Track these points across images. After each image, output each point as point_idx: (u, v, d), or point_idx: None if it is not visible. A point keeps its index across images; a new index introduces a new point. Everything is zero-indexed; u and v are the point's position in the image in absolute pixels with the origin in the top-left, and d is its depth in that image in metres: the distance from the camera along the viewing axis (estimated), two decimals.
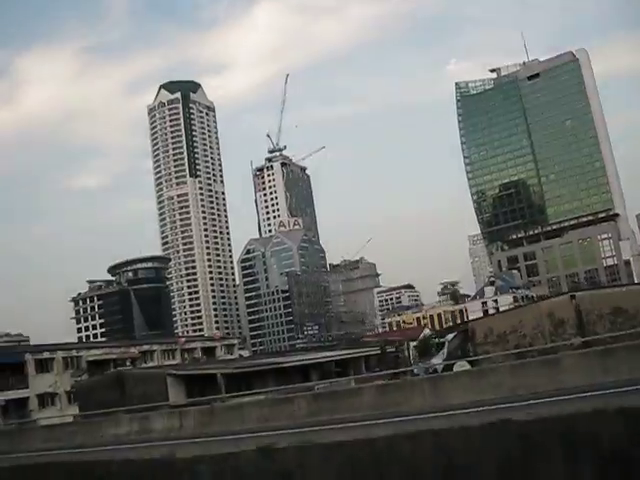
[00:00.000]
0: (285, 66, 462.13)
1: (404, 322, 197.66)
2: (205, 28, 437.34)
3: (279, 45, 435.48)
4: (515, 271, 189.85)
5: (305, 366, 44.91)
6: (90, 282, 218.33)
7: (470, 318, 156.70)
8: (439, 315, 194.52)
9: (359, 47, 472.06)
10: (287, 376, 42.23)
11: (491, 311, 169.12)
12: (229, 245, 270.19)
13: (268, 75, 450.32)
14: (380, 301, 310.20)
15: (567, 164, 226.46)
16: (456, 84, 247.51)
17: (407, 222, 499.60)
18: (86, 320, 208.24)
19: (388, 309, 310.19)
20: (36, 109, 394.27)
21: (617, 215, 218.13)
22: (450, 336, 42.99)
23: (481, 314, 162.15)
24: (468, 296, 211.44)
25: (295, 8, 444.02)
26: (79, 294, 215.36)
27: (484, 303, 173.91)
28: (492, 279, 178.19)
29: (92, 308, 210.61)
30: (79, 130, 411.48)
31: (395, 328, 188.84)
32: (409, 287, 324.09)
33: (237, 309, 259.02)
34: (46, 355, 61.35)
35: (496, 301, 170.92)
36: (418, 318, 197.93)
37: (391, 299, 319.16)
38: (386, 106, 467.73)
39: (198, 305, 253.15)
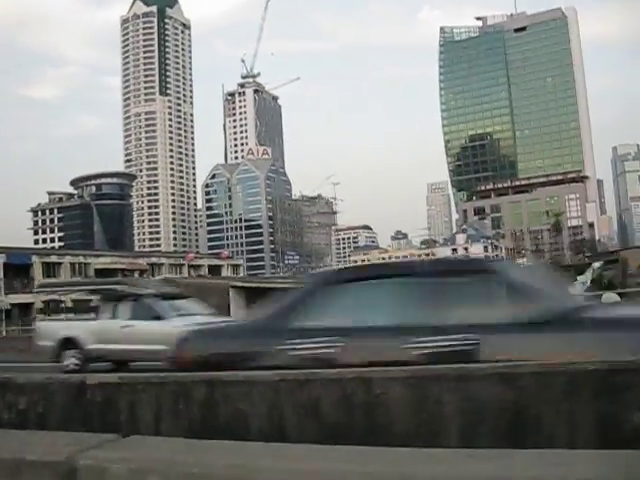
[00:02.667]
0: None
1: (369, 261, 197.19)
2: None
3: None
4: (486, 221, 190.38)
5: None
6: (50, 193, 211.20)
7: None
8: (405, 257, 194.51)
9: None
10: None
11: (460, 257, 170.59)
12: (194, 168, 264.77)
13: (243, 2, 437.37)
14: (337, 239, 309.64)
15: (543, 121, 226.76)
16: (441, 28, 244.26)
17: (371, 165, 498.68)
18: (44, 232, 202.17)
19: (344, 248, 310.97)
20: None
21: (586, 177, 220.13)
22: (596, 264, 40.69)
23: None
24: (435, 242, 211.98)
25: None
26: (39, 204, 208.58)
27: (454, 250, 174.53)
28: (464, 227, 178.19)
29: (52, 220, 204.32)
30: (35, 37, 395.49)
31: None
32: (367, 228, 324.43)
33: (197, 234, 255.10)
34: (54, 259, 58.19)
35: (466, 249, 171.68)
36: (384, 258, 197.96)
37: (348, 238, 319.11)
38: (358, 47, 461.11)
39: (157, 227, 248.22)
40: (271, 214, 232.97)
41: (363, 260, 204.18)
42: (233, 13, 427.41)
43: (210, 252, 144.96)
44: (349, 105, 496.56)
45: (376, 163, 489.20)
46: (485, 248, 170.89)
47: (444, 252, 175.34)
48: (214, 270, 68.28)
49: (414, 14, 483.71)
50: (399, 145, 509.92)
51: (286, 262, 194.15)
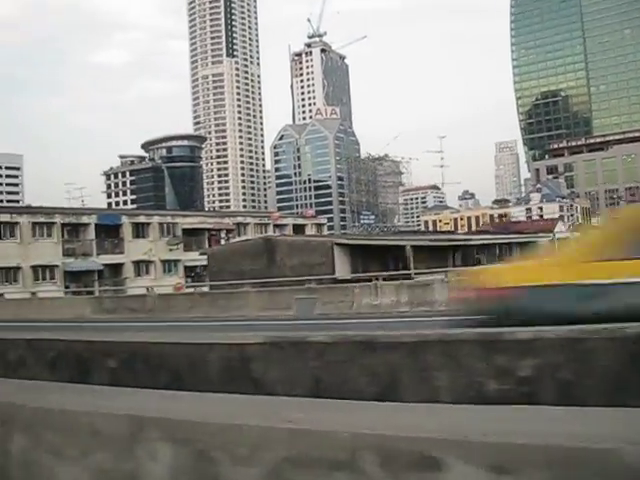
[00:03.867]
0: None
1: (440, 221, 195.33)
2: None
3: None
4: (561, 180, 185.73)
5: (453, 247, 42.08)
6: (122, 157, 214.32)
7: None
8: (477, 218, 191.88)
9: None
10: (436, 254, 39.44)
11: (535, 218, 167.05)
12: (262, 130, 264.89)
13: None
14: (405, 200, 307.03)
15: (620, 76, 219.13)
16: None
17: (439, 123, 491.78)
18: (117, 195, 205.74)
19: (411, 208, 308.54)
20: None
21: None
22: None
23: (524, 219, 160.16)
24: (507, 201, 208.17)
25: None
26: (111, 168, 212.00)
27: (528, 209, 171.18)
28: (538, 186, 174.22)
29: (124, 183, 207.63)
30: (100, 3, 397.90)
31: (431, 227, 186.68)
32: (435, 188, 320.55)
33: (265, 195, 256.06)
34: (142, 219, 58.71)
35: (541, 208, 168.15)
36: (455, 219, 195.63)
37: (416, 199, 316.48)
38: (424, 3, 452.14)
39: (227, 188, 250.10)
40: (340, 174, 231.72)
41: (434, 220, 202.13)
42: None
43: (294, 211, 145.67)
44: (416, 63, 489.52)
45: (443, 122, 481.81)
46: (560, 208, 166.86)
47: (518, 211, 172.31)
48: (298, 229, 68.02)
49: None
50: (467, 103, 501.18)
51: (362, 222, 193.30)
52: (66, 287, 53.27)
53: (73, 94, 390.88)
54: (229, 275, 36.36)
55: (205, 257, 61.34)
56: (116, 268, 56.03)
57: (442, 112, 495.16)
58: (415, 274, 31.41)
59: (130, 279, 55.52)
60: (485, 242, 46.23)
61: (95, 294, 47.42)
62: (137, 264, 56.76)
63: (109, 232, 56.17)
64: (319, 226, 71.78)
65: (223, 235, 61.33)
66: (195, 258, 60.53)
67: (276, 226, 66.28)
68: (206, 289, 39.43)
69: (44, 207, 57.21)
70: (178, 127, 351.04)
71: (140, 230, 57.46)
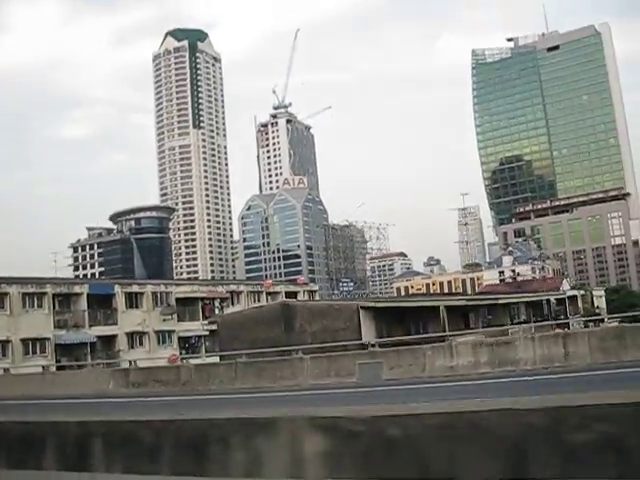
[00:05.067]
0: (274, 32, 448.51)
1: (412, 287, 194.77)
2: None
3: (271, 8, 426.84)
4: (532, 242, 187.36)
5: (467, 307, 41.05)
6: (90, 229, 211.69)
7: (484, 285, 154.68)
8: (449, 282, 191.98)
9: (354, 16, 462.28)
10: (453, 316, 38.32)
11: (508, 281, 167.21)
12: (229, 200, 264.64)
13: (266, 36, 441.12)
14: (371, 267, 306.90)
15: (581, 140, 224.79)
16: (472, 51, 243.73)
17: (402, 191, 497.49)
18: (84, 267, 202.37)
19: (380, 275, 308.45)
20: (20, 55, 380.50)
21: (628, 194, 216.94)
22: None
23: (497, 282, 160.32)
24: (478, 265, 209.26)
25: None
26: (78, 240, 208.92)
27: (501, 272, 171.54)
28: (510, 249, 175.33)
29: (92, 256, 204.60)
30: (64, 79, 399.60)
31: (403, 293, 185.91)
32: (402, 255, 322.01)
33: (234, 265, 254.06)
34: (135, 289, 56.79)
35: (514, 271, 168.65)
36: (427, 284, 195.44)
37: (383, 266, 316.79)
38: (384, 76, 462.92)
39: (195, 260, 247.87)
40: (309, 243, 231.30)
41: (406, 287, 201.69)
42: (261, 45, 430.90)
43: (286, 279, 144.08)
44: (379, 133, 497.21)
45: (408, 188, 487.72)
46: (532, 270, 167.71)
47: (491, 274, 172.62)
48: (290, 296, 66.51)
49: (434, 40, 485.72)
50: (430, 170, 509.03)
51: (341, 289, 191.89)
52: (57, 361, 50.88)
53: (38, 167, 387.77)
54: (242, 344, 34.65)
55: (200, 326, 59.93)
56: (109, 340, 53.73)
57: (407, 178, 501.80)
58: (450, 336, 30.25)
59: (124, 351, 53.22)
60: (512, 301, 45.33)
61: (87, 368, 45.22)
62: (131, 335, 54.55)
63: (101, 302, 54.08)
64: (311, 293, 70.50)
65: (217, 304, 59.62)
66: (189, 328, 58.69)
67: (268, 294, 64.85)
68: (199, 361, 37.70)
69: (34, 277, 55.02)
70: (145, 199, 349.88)
71: (133, 300, 55.50)
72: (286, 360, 22.78)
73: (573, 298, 56.71)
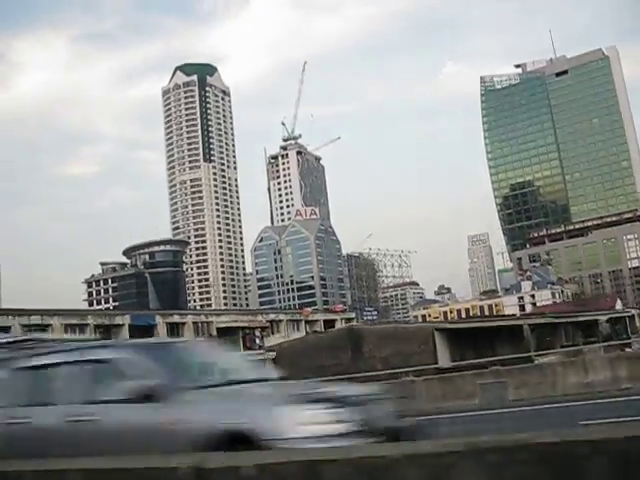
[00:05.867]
0: (282, 64, 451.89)
1: (429, 316, 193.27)
2: (203, 20, 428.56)
3: (273, 40, 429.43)
4: (550, 267, 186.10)
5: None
6: (103, 264, 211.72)
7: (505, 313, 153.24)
8: (467, 310, 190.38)
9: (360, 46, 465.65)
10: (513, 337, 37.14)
11: (528, 307, 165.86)
12: (241, 233, 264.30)
13: (274, 68, 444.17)
14: (384, 297, 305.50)
15: (593, 163, 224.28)
16: (481, 78, 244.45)
17: (413, 220, 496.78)
18: (99, 303, 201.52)
19: (392, 305, 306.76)
20: (29, 94, 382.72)
21: None
22: None
23: (517, 309, 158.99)
24: (495, 291, 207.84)
25: (293, 3, 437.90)
26: (92, 275, 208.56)
27: (520, 298, 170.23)
28: (529, 274, 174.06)
29: (106, 290, 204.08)
30: (72, 118, 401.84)
31: (421, 321, 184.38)
32: (414, 284, 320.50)
33: (247, 298, 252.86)
34: (176, 319, 55.73)
35: (533, 296, 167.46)
36: (445, 312, 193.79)
37: (396, 295, 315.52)
38: (393, 106, 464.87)
39: (208, 293, 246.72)
40: (323, 274, 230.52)
41: (423, 315, 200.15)
42: (269, 78, 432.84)
43: (325, 307, 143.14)
44: (389, 162, 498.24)
45: (418, 218, 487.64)
46: (552, 294, 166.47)
47: (510, 300, 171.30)
48: (328, 324, 65.53)
49: (442, 69, 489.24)
50: (442, 198, 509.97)
51: (365, 318, 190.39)
52: None
53: (49, 205, 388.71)
54: (304, 372, 33.49)
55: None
56: None
57: (418, 208, 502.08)
58: (535, 355, 29.11)
59: None
60: (589, 318, 44.22)
61: None
62: None
63: (143, 333, 52.88)
64: (349, 320, 69.45)
65: (257, 333, 58.48)
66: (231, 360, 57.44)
67: (307, 322, 63.77)
68: None
69: (76, 309, 54.15)
70: (156, 233, 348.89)
71: (175, 330, 54.38)
72: (396, 383, 21.62)
73: (631, 318, 55.70)
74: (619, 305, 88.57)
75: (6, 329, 47.67)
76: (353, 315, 75.25)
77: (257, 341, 58.90)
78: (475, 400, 19.03)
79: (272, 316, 63.18)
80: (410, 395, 20.56)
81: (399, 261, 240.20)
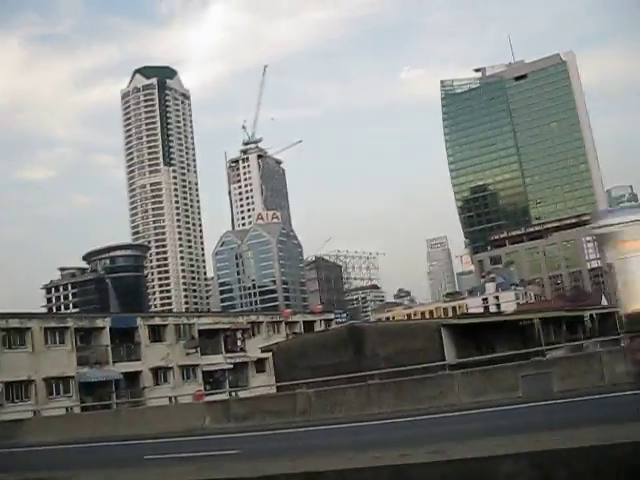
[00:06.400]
0: (241, 68, 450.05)
1: (393, 318, 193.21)
2: (160, 23, 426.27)
3: (233, 44, 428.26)
4: (512, 268, 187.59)
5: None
6: (62, 269, 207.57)
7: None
8: (431, 312, 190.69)
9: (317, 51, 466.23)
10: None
11: (492, 308, 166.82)
12: (201, 237, 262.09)
13: (233, 72, 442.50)
14: (349, 300, 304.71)
15: (552, 166, 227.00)
16: (441, 82, 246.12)
17: (372, 223, 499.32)
18: (58, 309, 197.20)
19: (353, 307, 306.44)
20: None
21: None
22: None
23: (481, 311, 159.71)
24: (459, 293, 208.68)
25: (251, 7, 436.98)
26: (51, 281, 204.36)
27: (485, 299, 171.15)
28: (492, 275, 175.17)
29: (66, 297, 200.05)
30: (27, 121, 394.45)
31: None
32: (375, 287, 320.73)
33: (208, 303, 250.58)
34: (157, 321, 54.43)
35: (497, 297, 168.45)
36: (409, 314, 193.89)
37: (357, 299, 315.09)
38: (341, 109, 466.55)
39: (169, 298, 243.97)
40: (285, 278, 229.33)
41: (387, 317, 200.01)
42: (228, 82, 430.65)
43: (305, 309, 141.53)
44: (349, 165, 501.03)
45: (378, 221, 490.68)
46: (516, 295, 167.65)
47: (474, 302, 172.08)
48: (308, 326, 64.74)
49: (402, 73, 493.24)
50: (399, 202, 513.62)
51: (335, 320, 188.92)
52: (81, 401, 48.04)
53: (3, 210, 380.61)
54: (303, 372, 32.62)
55: (223, 359, 57.49)
56: (133, 377, 51.08)
57: (379, 212, 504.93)
58: (546, 350, 28.69)
59: (149, 389, 50.61)
60: (597, 312, 43.97)
61: (113, 407, 42.59)
62: (155, 371, 51.93)
63: (124, 337, 51.55)
64: (328, 321, 68.68)
65: (239, 335, 57.42)
66: (212, 362, 56.23)
67: (287, 323, 62.91)
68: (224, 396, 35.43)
69: (55, 312, 52.41)
70: (116, 238, 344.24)
71: (157, 333, 53.02)
72: (430, 378, 20.96)
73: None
74: (604, 302, 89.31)
75: None
76: (332, 316, 74.35)
77: (239, 343, 57.90)
78: (518, 393, 18.46)
79: (252, 317, 62.18)
80: (446, 390, 19.96)
81: (367, 263, 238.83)
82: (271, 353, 38.48)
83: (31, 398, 46.76)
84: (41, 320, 48.79)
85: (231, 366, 55.92)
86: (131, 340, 52.36)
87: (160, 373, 52.85)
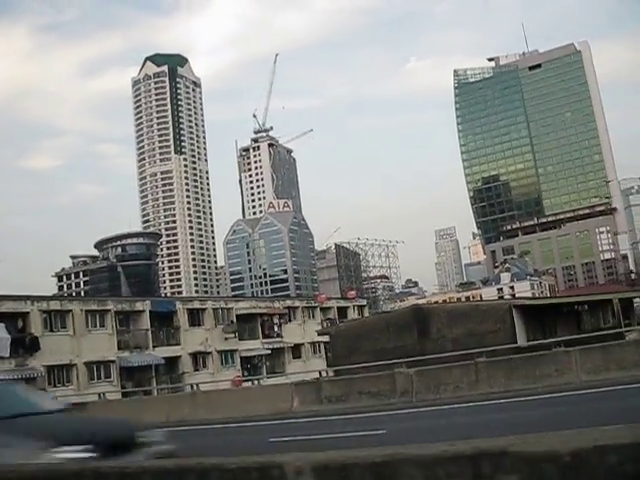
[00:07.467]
0: (251, 58, 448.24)
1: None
2: (167, 12, 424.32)
3: (242, 33, 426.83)
4: (527, 258, 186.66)
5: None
6: (73, 257, 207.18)
7: None
8: (444, 302, 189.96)
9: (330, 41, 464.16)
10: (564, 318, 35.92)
11: (507, 297, 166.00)
12: (212, 226, 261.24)
13: (245, 60, 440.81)
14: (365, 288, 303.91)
15: (566, 156, 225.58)
16: (454, 71, 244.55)
17: (382, 213, 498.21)
18: (70, 296, 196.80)
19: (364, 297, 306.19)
20: None
21: (615, 209, 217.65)
22: None
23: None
24: (472, 283, 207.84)
25: None
26: (63, 269, 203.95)
27: (500, 289, 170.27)
28: (507, 265, 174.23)
29: (77, 284, 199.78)
30: (33, 109, 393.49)
31: None
32: (384, 277, 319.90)
33: (219, 291, 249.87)
34: (196, 305, 53.62)
35: (512, 287, 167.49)
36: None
37: (366, 289, 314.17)
38: (350, 98, 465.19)
39: (179, 287, 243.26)
40: (296, 267, 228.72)
41: (400, 307, 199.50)
42: (240, 70, 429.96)
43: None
44: (361, 155, 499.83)
45: (386, 211, 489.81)
46: (531, 285, 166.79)
47: (489, 292, 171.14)
48: (341, 312, 64.01)
49: (416, 62, 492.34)
50: (408, 193, 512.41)
51: None
52: (122, 387, 47.22)
53: (11, 199, 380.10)
54: (364, 356, 31.71)
55: (260, 345, 56.66)
56: (172, 362, 50.24)
57: (389, 202, 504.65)
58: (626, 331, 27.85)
59: (189, 374, 49.79)
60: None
61: (153, 393, 41.81)
62: (194, 356, 51.17)
63: (163, 321, 50.70)
64: (360, 307, 68.00)
65: (276, 320, 56.67)
66: (250, 347, 55.43)
67: (322, 309, 62.20)
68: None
69: (94, 296, 51.66)
70: (127, 226, 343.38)
71: (195, 317, 52.19)
72: (545, 355, 20.11)
73: None
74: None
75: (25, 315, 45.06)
76: (365, 302, 73.72)
77: (275, 328, 57.17)
78: None
79: (288, 303, 61.50)
80: (563, 368, 19.11)
81: (386, 251, 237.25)
82: (328, 336, 37.66)
83: (72, 382, 45.92)
84: (82, 302, 48.00)
85: (269, 352, 55.19)
86: (170, 324, 51.52)
87: (199, 358, 52.06)
